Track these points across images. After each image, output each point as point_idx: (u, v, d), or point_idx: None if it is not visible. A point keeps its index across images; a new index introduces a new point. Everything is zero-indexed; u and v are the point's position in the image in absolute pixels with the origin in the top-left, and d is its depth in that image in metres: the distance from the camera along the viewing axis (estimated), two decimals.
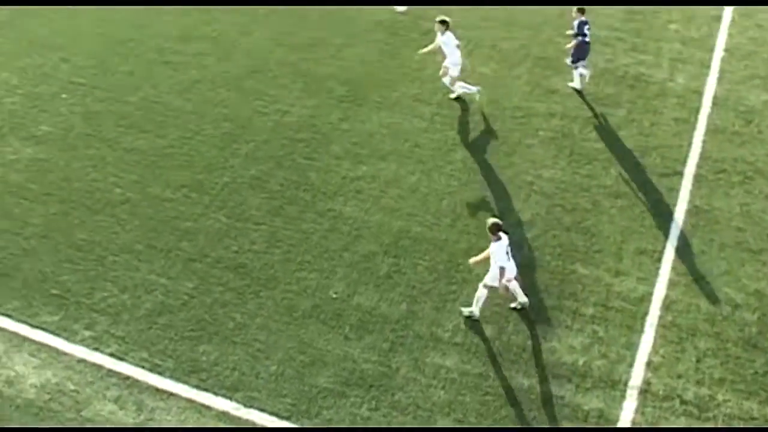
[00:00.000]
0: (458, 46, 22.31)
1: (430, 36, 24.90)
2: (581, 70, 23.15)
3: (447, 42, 22.14)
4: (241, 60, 24.78)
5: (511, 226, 18.79)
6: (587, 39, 22.66)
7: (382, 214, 19.66)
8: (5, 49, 25.73)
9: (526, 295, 17.33)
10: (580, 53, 22.90)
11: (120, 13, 27.10)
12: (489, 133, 22.04)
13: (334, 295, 17.76)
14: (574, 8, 22.73)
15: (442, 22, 22.02)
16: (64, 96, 23.66)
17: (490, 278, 16.73)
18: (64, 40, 25.93)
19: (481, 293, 16.96)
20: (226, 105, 23.09)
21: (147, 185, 20.62)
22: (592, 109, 22.76)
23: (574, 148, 21.51)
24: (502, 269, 16.45)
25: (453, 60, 22.33)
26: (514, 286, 17.01)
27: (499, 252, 16.45)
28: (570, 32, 23.01)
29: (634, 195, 20.15)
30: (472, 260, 17.30)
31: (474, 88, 22.74)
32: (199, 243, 19.00)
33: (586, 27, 22.58)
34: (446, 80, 22.64)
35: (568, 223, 19.38)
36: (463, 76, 23.10)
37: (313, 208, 19.83)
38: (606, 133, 21.93)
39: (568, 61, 23.28)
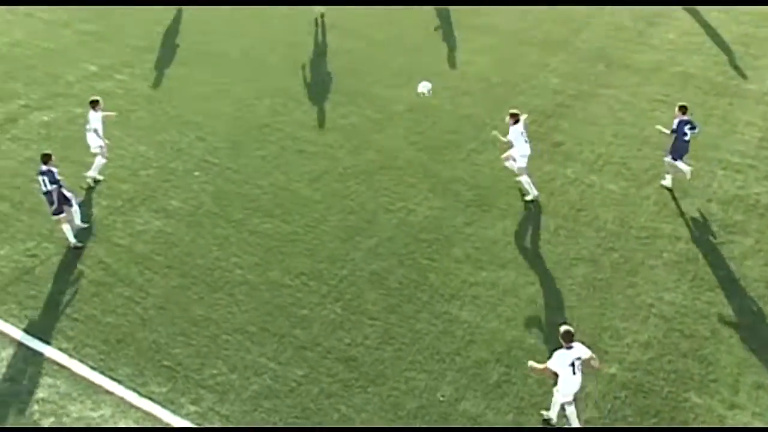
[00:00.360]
0: (526, 140, 23.26)
1: (560, 148, 25.54)
2: (681, 165, 23.54)
3: (514, 133, 23.16)
4: (372, 155, 25.72)
5: (626, 346, 18.93)
6: (686, 138, 23.35)
7: (498, 321, 20.03)
8: (145, 123, 27.34)
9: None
10: (680, 150, 23.60)
11: (259, 100, 28.39)
12: (612, 250, 22.27)
13: (441, 398, 18.12)
14: (677, 105, 23.63)
15: (512, 115, 23.23)
16: (196, 174, 24.95)
17: (561, 395, 16.83)
18: (202, 120, 27.43)
19: (556, 400, 17.17)
20: (353, 198, 23.97)
21: (267, 269, 21.49)
22: (718, 235, 22.78)
23: (698, 273, 21.57)
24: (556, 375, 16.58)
25: (520, 151, 23.30)
26: (572, 411, 16.96)
27: (560, 360, 16.43)
28: (665, 130, 23.48)
29: (756, 327, 20.06)
30: (533, 365, 17.09)
31: (534, 192, 23.49)
32: (313, 331, 19.68)
33: (687, 127, 23.15)
34: (508, 164, 23.76)
35: (685, 349, 19.40)
36: (591, 192, 23.50)
37: (429, 309, 20.33)
38: (731, 260, 21.93)
39: (668, 158, 23.67)
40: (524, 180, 23.86)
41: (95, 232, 22.88)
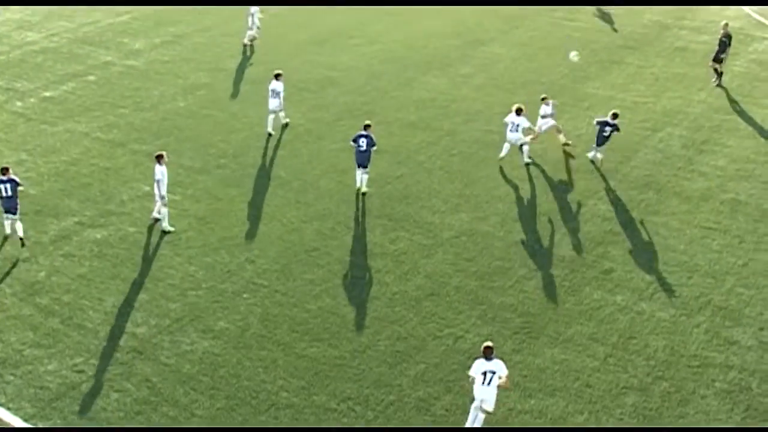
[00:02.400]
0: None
1: (610, 276, 25.89)
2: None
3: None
4: (420, 281, 26.21)
5: None
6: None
7: None
8: (196, 243, 28.17)
9: None
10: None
11: (308, 223, 29.15)
12: (662, 379, 22.45)
13: None
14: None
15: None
16: (245, 296, 25.46)
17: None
18: (252, 242, 28.10)
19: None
20: (401, 324, 24.43)
21: (313, 393, 21.93)
22: None
23: (752, 403, 21.66)
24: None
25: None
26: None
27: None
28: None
29: None
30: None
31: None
32: None
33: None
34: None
35: None
36: (640, 320, 23.88)
37: None
38: None
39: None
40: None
41: (142, 350, 23.47)
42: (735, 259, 27.15)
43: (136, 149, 34.22)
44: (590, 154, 32.80)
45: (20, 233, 28.08)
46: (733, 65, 41.03)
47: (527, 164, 32.50)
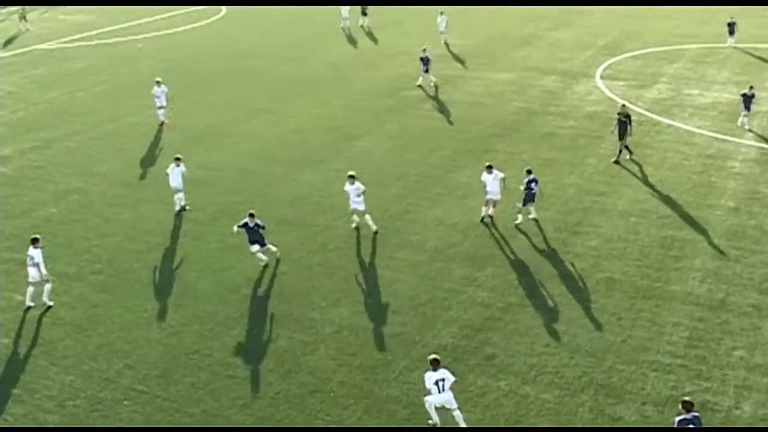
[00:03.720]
0: None
1: (492, 361, 26.15)
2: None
3: None
4: (303, 378, 26.15)
5: None
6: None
7: None
8: (72, 352, 27.74)
9: None
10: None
11: (187, 326, 28.89)
12: None
13: None
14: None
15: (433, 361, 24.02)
16: (126, 402, 25.00)
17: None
18: (130, 348, 27.69)
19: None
20: (287, 422, 24.34)
21: None
22: None
23: None
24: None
25: None
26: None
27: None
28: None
29: None
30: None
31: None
32: None
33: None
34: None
35: None
36: (525, 404, 24.12)
37: None
38: None
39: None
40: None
41: None
42: (614, 337, 27.78)
43: (8, 257, 33.58)
44: (519, 218, 35.20)
45: None
46: (599, 148, 42.46)
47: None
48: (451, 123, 46.87)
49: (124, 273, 32.39)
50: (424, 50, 53.21)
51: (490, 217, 35.38)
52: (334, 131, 46.26)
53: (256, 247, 32.14)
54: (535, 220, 34.81)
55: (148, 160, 42.60)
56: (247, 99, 52.26)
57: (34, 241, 30.06)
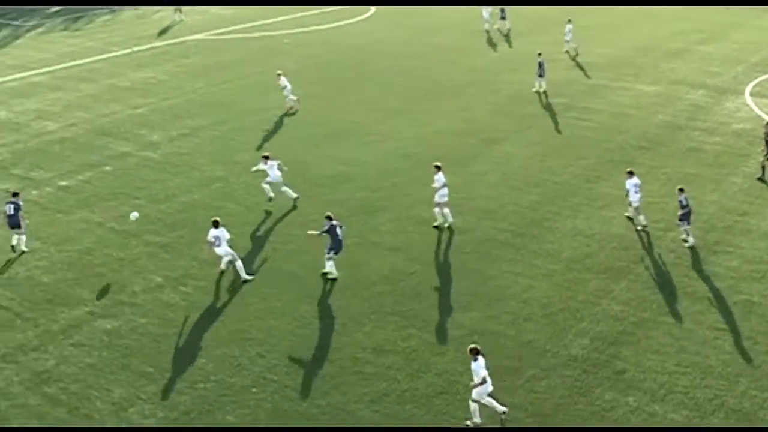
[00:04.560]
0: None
1: (622, 376, 25.75)
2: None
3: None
4: (431, 378, 26.25)
5: None
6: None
7: None
8: (207, 336, 28.32)
9: None
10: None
11: (320, 319, 29.35)
12: None
13: None
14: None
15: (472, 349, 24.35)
16: (254, 390, 25.46)
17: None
18: (263, 336, 28.23)
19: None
20: (412, 422, 24.52)
21: None
22: None
23: None
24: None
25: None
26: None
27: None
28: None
29: None
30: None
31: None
32: None
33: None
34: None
35: None
36: (653, 422, 23.66)
37: None
38: None
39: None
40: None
41: None
42: (748, 361, 27.05)
43: (150, 240, 34.54)
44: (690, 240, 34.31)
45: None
46: (744, 166, 41.34)
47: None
48: (594, 132, 46.25)
49: (260, 262, 32.96)
50: (539, 55, 52.75)
51: (644, 227, 34.87)
52: (476, 134, 46.15)
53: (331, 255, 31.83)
54: (684, 240, 34.02)
55: (290, 152, 43.23)
56: (390, 99, 52.54)
57: (216, 224, 31.30)
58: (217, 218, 31.84)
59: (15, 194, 34.66)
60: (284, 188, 37.67)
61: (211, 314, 29.67)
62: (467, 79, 56.76)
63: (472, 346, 23.98)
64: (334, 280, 31.54)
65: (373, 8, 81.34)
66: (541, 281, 31.55)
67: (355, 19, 76.08)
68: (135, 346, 27.93)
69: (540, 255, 33.29)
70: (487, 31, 69.43)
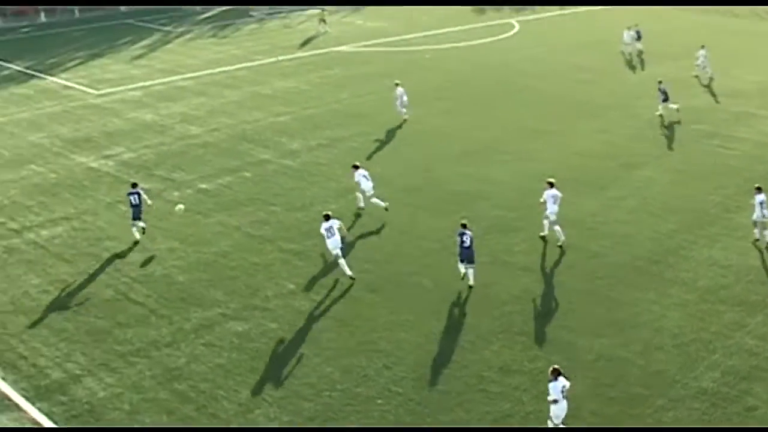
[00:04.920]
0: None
1: (753, 413, 25.10)
2: None
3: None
4: None
5: None
6: None
7: None
8: (335, 345, 28.88)
9: None
10: None
11: (449, 334, 29.50)
12: None
13: None
14: None
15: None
16: (379, 401, 25.78)
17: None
18: (390, 348, 28.44)
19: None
20: None
21: None
22: None
23: None
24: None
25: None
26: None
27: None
28: None
29: None
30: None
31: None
32: None
33: None
34: None
35: None
36: None
37: None
38: None
39: None
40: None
41: None
42: None
43: (285, 247, 35.20)
44: None
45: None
46: None
47: None
48: (736, 161, 45.21)
49: (392, 275, 33.25)
50: (660, 82, 51.90)
51: None
52: (615, 158, 45.63)
53: (463, 266, 32.30)
54: None
55: (427, 166, 43.54)
56: (530, 118, 52.38)
57: (327, 217, 32.54)
58: (329, 212, 33.02)
59: (134, 185, 36.55)
60: (374, 199, 38.29)
61: (340, 324, 30.05)
62: (607, 101, 56.19)
63: (554, 366, 23.99)
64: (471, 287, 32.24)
65: (517, 25, 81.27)
66: (674, 310, 31.00)
67: (499, 37, 76.08)
68: (264, 349, 28.51)
69: (674, 284, 32.71)
70: (627, 53, 68.58)
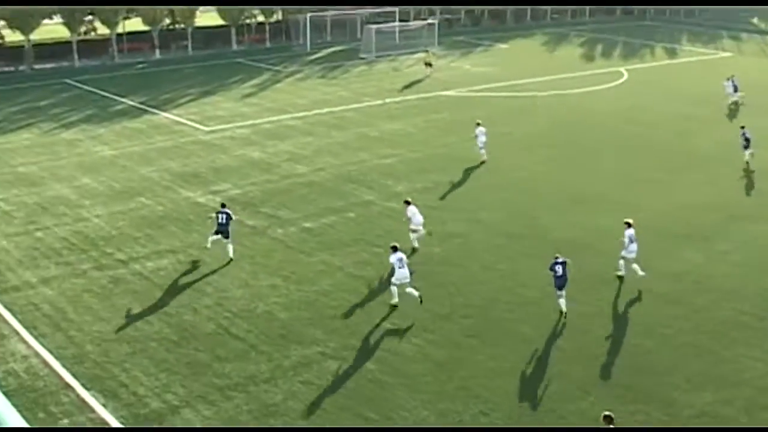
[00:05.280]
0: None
1: None
2: None
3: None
4: None
5: None
6: None
7: None
8: (431, 388, 28.83)
9: None
10: None
11: (546, 383, 29.20)
12: None
13: None
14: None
15: None
16: None
17: None
18: (488, 394, 28.59)
19: None
20: None
21: None
22: None
23: None
24: None
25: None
26: None
27: None
28: None
29: None
30: None
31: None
32: None
33: None
34: None
35: None
36: None
37: None
38: None
39: None
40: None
41: None
42: None
43: (386, 289, 35.32)
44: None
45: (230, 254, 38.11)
46: None
47: None
48: None
49: (493, 321, 33.18)
50: (743, 128, 51.32)
51: None
52: (722, 210, 44.93)
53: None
54: None
55: (530, 213, 43.45)
56: (636, 168, 51.93)
57: (395, 249, 34.14)
58: (396, 244, 34.14)
59: (223, 205, 39.54)
60: (420, 233, 39.47)
61: (438, 367, 30.05)
62: (713, 151, 55.47)
63: (607, 413, 24.48)
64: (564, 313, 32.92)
65: (625, 74, 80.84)
66: None
67: (608, 85, 75.75)
68: (361, 390, 28.64)
69: None
70: (734, 103, 67.65)
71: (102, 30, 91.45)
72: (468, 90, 73.96)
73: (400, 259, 33.61)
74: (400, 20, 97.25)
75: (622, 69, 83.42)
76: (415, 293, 33.58)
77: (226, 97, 71.65)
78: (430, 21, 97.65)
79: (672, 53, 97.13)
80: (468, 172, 50.65)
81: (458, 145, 56.03)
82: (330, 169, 51.04)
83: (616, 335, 32.16)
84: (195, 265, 37.76)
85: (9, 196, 46.72)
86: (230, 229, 38.09)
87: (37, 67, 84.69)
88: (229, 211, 38.44)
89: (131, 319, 33.16)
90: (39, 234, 41.26)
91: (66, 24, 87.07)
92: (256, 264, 37.64)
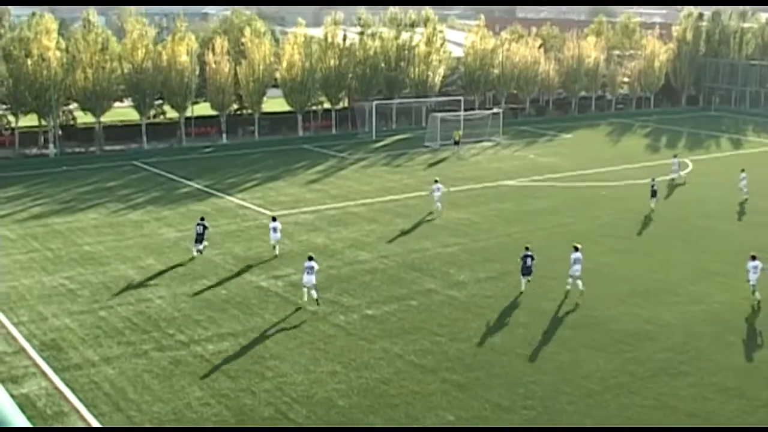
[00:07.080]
0: None
1: None
2: None
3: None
4: None
5: None
6: None
7: None
8: None
9: None
10: None
11: None
12: None
13: None
14: None
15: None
16: None
17: None
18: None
19: None
20: None
21: None
22: None
23: None
24: None
25: None
26: None
27: None
28: None
29: None
30: None
31: None
32: None
33: None
34: None
35: None
36: None
37: None
38: None
39: None
40: None
41: None
42: None
43: (447, 378, 35.25)
44: None
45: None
46: None
47: None
48: None
49: (554, 413, 32.84)
50: None
51: None
52: None
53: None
54: None
55: (593, 305, 43.14)
56: (701, 259, 51.47)
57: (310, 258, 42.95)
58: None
59: (202, 218, 52.07)
60: None
61: None
62: None
63: None
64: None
65: (690, 164, 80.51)
66: None
67: (672, 176, 75.41)
68: None
69: None
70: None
71: (171, 113, 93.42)
72: (532, 180, 74.11)
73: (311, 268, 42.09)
74: (466, 109, 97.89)
75: (687, 160, 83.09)
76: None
77: (291, 183, 72.55)
78: (495, 110, 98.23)
79: (737, 143, 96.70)
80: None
81: (522, 235, 55.96)
82: (393, 256, 51.21)
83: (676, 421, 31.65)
84: (255, 349, 37.94)
85: (74, 275, 47.51)
86: (206, 235, 50.26)
87: (107, 148, 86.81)
88: (205, 223, 51.15)
89: (190, 401, 33.32)
90: (102, 313, 41.84)
91: (135, 107, 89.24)
92: (317, 350, 37.73)
